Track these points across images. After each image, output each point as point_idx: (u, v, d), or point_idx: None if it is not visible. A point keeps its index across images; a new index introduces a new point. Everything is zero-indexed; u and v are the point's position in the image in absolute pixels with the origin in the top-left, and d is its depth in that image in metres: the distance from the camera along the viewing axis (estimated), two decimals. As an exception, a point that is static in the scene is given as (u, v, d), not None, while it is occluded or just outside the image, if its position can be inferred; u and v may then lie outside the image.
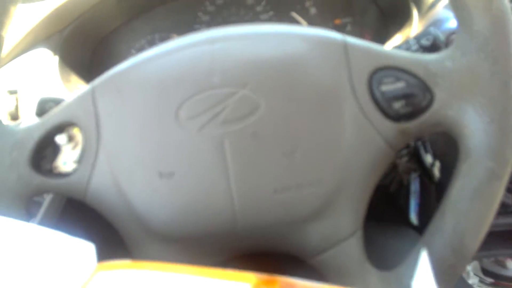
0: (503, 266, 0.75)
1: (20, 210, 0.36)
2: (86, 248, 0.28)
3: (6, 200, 0.35)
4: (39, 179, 0.36)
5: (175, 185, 0.34)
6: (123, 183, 0.35)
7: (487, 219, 0.33)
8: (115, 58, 0.66)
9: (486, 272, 0.75)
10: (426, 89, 0.34)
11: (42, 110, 0.42)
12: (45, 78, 0.58)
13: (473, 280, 0.74)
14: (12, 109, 0.54)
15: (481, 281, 0.75)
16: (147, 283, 0.25)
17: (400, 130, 0.34)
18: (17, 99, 0.55)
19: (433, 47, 0.39)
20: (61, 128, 0.36)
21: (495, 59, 0.32)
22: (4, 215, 0.34)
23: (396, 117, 0.34)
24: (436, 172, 0.51)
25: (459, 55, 0.33)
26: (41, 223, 0.45)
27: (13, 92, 0.55)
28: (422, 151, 0.50)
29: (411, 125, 0.34)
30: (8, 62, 0.57)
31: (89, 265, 0.26)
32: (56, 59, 0.60)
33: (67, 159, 0.37)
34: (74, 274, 0.26)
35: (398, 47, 0.41)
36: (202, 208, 0.34)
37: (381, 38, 0.68)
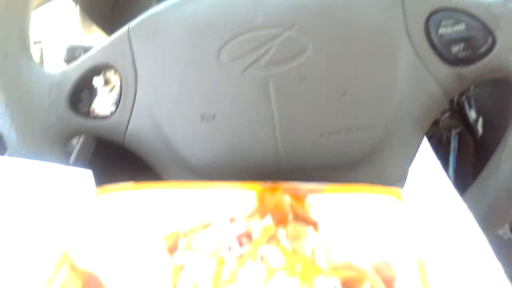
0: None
1: (60, 151, 0.35)
2: (84, 175, 0.27)
3: (47, 140, 0.35)
4: (78, 120, 0.35)
5: (217, 128, 0.33)
6: (163, 126, 0.34)
7: None
8: (136, 9, 0.63)
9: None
10: (488, 32, 0.32)
11: (71, 56, 0.40)
12: (68, 28, 0.56)
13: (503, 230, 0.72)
14: (38, 59, 0.53)
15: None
16: (150, 201, 0.25)
17: (458, 75, 0.33)
18: (41, 49, 0.53)
19: None
20: (98, 70, 0.35)
21: None
22: (45, 155, 0.33)
23: (454, 61, 0.32)
24: (479, 128, 0.48)
25: None
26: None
27: (37, 42, 0.54)
28: (466, 106, 0.48)
29: (470, 70, 0.32)
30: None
31: (89, 191, 0.26)
32: (77, 9, 0.58)
33: (104, 102, 0.35)
34: (75, 200, 0.25)
35: None
36: (244, 150, 0.33)
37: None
